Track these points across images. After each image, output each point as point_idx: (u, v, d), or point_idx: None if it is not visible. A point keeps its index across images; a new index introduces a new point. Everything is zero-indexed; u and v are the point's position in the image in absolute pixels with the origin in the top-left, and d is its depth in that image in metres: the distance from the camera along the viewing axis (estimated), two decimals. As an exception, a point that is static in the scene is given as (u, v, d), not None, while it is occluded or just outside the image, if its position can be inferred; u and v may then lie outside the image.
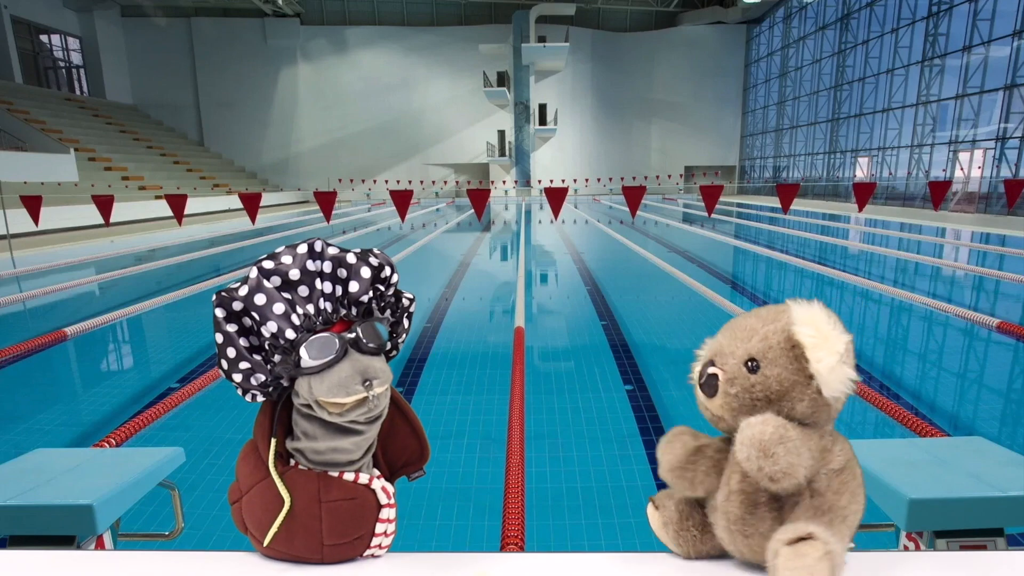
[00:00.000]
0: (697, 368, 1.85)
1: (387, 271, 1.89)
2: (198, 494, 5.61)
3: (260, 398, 1.89)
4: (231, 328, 1.80)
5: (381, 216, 41.64)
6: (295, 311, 1.79)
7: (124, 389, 8.91)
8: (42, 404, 8.27)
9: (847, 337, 1.66)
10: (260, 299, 1.77)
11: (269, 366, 1.82)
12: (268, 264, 1.82)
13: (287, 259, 1.82)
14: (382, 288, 1.89)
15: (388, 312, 1.95)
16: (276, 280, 1.80)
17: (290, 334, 1.77)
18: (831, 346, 1.63)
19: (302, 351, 1.77)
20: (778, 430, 1.65)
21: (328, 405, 1.76)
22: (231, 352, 1.81)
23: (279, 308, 1.77)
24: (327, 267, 1.82)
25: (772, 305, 1.81)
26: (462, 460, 6.41)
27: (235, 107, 68.82)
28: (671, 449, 1.89)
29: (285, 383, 1.86)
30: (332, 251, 1.84)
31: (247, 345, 1.81)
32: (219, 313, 1.80)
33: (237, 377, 1.84)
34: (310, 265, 1.81)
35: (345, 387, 1.74)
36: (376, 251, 1.92)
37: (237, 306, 1.79)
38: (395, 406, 2.04)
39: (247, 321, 1.81)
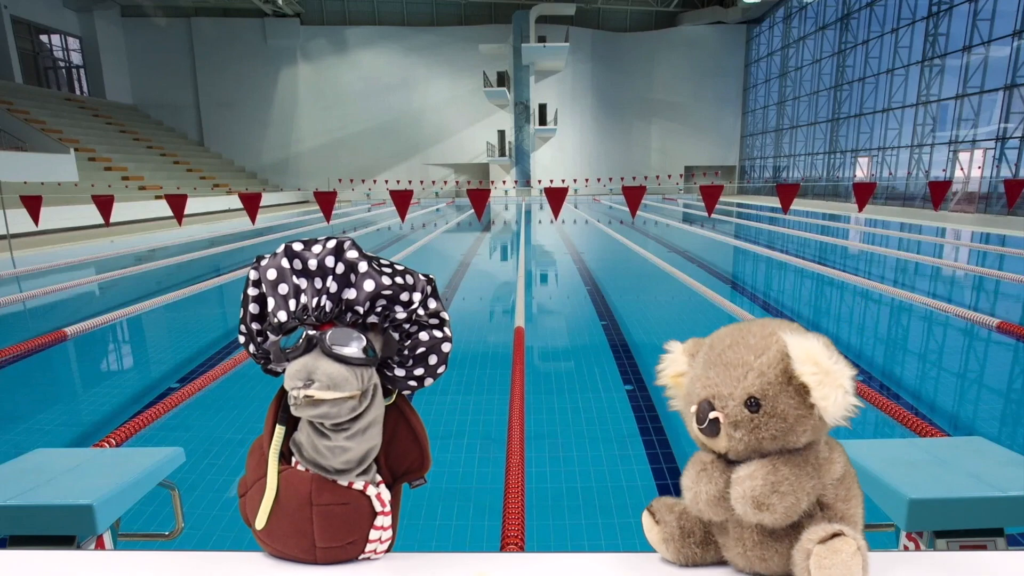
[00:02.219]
0: (692, 409, 1.80)
1: (406, 295, 1.87)
2: (198, 494, 5.61)
3: (260, 364, 1.98)
4: (252, 292, 1.87)
5: (381, 216, 41.62)
6: (297, 298, 1.81)
7: (124, 389, 8.91)
8: (42, 404, 8.27)
9: (851, 372, 1.61)
10: (272, 274, 1.82)
11: (260, 339, 1.88)
12: (297, 246, 1.85)
13: (317, 248, 1.85)
14: (394, 308, 1.87)
15: (400, 336, 1.93)
16: (297, 264, 1.83)
17: (282, 315, 1.81)
18: (835, 382, 1.58)
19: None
20: (767, 479, 1.65)
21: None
22: (241, 312, 1.90)
23: (283, 289, 1.81)
24: (340, 268, 1.83)
25: (756, 326, 1.77)
26: (462, 460, 6.41)
27: (235, 107, 68.80)
28: (711, 479, 1.79)
29: (274, 366, 1.89)
30: (351, 255, 1.84)
31: (254, 313, 1.88)
32: (252, 274, 1.87)
33: (240, 339, 1.93)
34: (328, 261, 1.83)
35: (291, 378, 1.77)
36: (423, 276, 1.93)
37: (254, 275, 1.86)
38: (399, 412, 2.04)
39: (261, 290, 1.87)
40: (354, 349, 1.81)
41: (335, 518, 1.87)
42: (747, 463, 1.71)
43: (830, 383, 1.58)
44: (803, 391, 1.64)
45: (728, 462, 1.77)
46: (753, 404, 1.68)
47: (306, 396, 1.74)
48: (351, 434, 1.85)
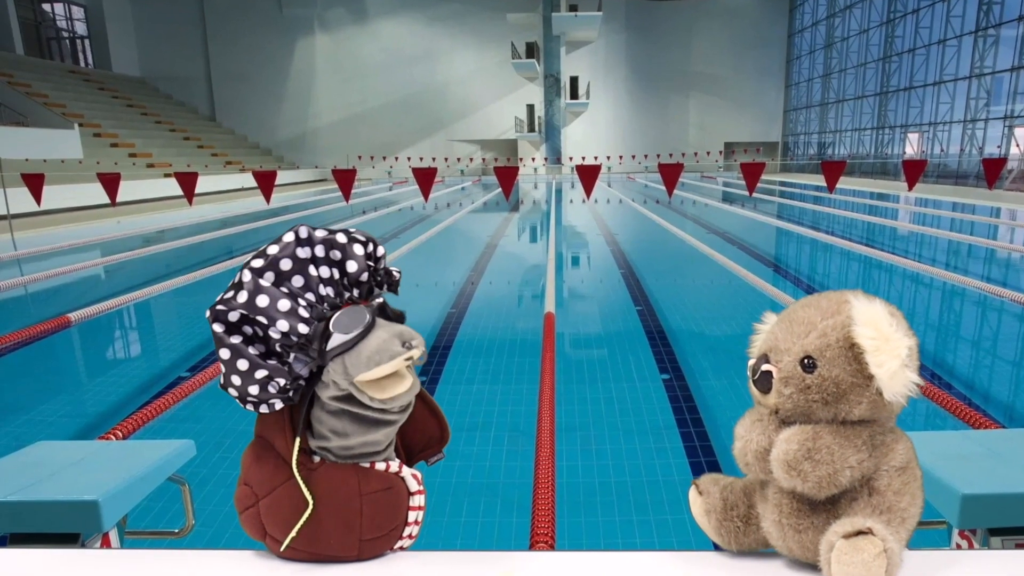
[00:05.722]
0: (751, 363, 1.83)
1: (371, 247, 1.89)
2: (210, 489, 5.65)
3: (279, 405, 1.86)
4: (236, 340, 1.79)
5: (403, 195, 41.75)
6: (299, 304, 1.78)
7: (131, 378, 8.97)
8: (45, 394, 8.33)
9: (911, 341, 1.63)
10: (263, 301, 1.76)
11: (287, 367, 1.80)
12: (258, 262, 1.81)
13: (274, 249, 1.82)
14: (373, 264, 1.89)
15: (384, 288, 1.95)
16: (270, 276, 1.80)
17: (303, 328, 1.77)
18: (892, 350, 1.60)
19: (331, 328, 1.77)
20: (804, 445, 1.66)
21: (369, 387, 1.76)
22: (243, 365, 1.79)
23: (284, 305, 1.77)
24: (319, 251, 1.82)
25: (834, 293, 1.79)
26: (489, 453, 6.40)
27: (249, 80, 68.93)
28: (764, 430, 1.82)
29: (304, 382, 1.84)
30: (320, 234, 1.84)
31: (258, 353, 1.80)
32: (218, 328, 1.79)
33: (254, 390, 1.81)
34: (301, 252, 1.81)
35: (386, 350, 1.74)
36: (354, 229, 1.92)
37: (235, 316, 1.77)
38: None
39: (249, 329, 1.80)
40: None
41: (382, 504, 1.88)
42: (793, 427, 1.72)
43: (887, 350, 1.60)
44: (863, 359, 1.64)
45: (784, 422, 1.78)
46: (809, 364, 1.70)
47: (423, 353, 1.78)
48: (410, 411, 1.90)
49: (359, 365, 1.73)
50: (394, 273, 1.97)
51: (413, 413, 2.02)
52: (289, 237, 1.83)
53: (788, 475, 1.66)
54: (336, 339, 1.76)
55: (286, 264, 1.80)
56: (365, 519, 1.86)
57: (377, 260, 1.90)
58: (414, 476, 1.97)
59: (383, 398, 1.76)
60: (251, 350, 1.79)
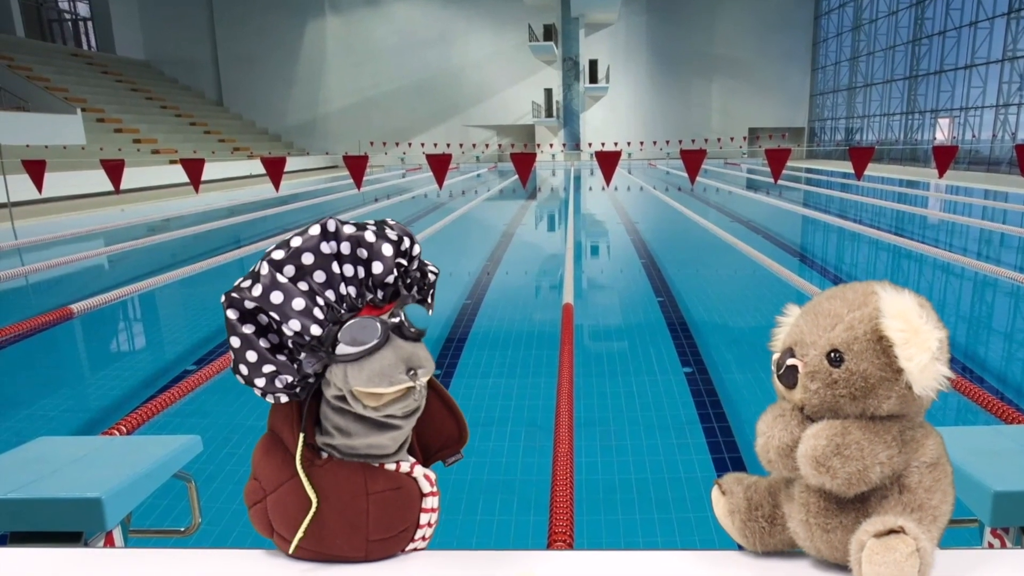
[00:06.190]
0: (775, 357, 1.82)
1: (407, 243, 1.86)
2: (217, 486, 5.67)
3: (284, 399, 1.86)
4: (248, 330, 1.78)
5: (417, 183, 41.82)
6: (316, 303, 1.76)
7: (136, 372, 9.00)
8: (46, 388, 8.38)
9: (941, 334, 1.63)
10: (277, 297, 1.74)
11: (296, 364, 1.79)
12: (278, 254, 1.79)
13: (297, 242, 1.80)
14: (405, 264, 1.86)
15: (415, 290, 1.92)
16: (290, 270, 1.77)
17: (315, 330, 1.75)
18: (922, 342, 1.59)
19: (339, 337, 1.75)
20: (832, 440, 1.65)
21: (364, 397, 1.74)
22: (251, 356, 1.78)
23: (299, 304, 1.75)
24: (345, 248, 1.80)
25: (860, 284, 1.77)
26: (505, 450, 6.42)
27: (257, 63, 69.06)
28: (786, 426, 1.81)
29: (312, 380, 1.84)
30: (348, 230, 1.81)
31: (268, 346, 1.79)
32: (231, 315, 1.78)
33: (260, 382, 1.81)
34: (325, 248, 1.79)
35: (388, 376, 1.71)
36: (391, 222, 1.89)
37: (250, 304, 1.76)
38: (429, 385, 2.00)
39: (263, 319, 1.79)
40: (422, 325, 1.81)
41: (390, 505, 1.87)
42: (820, 422, 1.72)
43: (917, 343, 1.60)
44: (892, 353, 1.63)
45: (808, 418, 1.78)
46: (836, 357, 1.69)
47: (421, 387, 1.76)
48: (418, 416, 1.87)
49: (359, 379, 1.72)
50: (429, 275, 1.95)
51: (430, 412, 2.01)
52: (315, 230, 1.80)
53: (817, 471, 1.65)
54: (342, 349, 1.74)
55: (308, 258, 1.78)
56: (371, 519, 1.85)
57: (410, 259, 1.88)
58: (426, 477, 1.96)
59: (376, 406, 1.75)
60: (262, 342, 1.78)
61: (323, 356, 1.76)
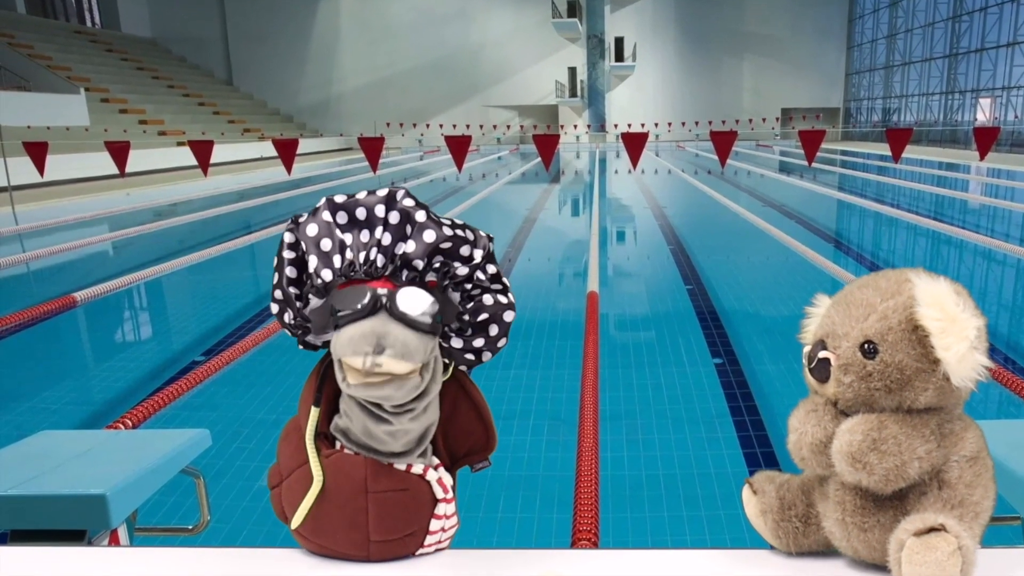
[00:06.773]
0: (806, 350, 1.81)
1: (467, 249, 1.84)
2: (226, 482, 5.68)
3: (290, 334, 1.94)
4: (287, 254, 1.84)
5: (435, 165, 41.89)
6: (342, 253, 1.78)
7: (142, 363, 9.04)
8: (48, 380, 8.42)
9: (979, 322, 1.61)
10: (312, 230, 1.80)
11: (299, 304, 1.85)
12: (340, 198, 1.84)
13: (361, 195, 1.84)
14: (454, 264, 1.84)
15: (459, 295, 1.89)
16: (342, 216, 1.82)
17: (327, 274, 1.78)
18: (960, 331, 1.57)
19: (335, 296, 1.77)
20: (868, 435, 1.64)
21: (346, 367, 1.74)
22: (275, 277, 1.85)
23: (326, 244, 1.78)
24: (393, 217, 1.81)
25: (893, 272, 1.76)
26: (527, 444, 6.43)
27: (268, 41, 69.18)
28: (819, 422, 1.80)
29: (312, 339, 1.90)
30: (407, 203, 1.82)
31: (291, 276, 1.84)
32: (287, 237, 1.84)
33: (274, 308, 1.90)
34: (379, 210, 1.81)
35: (353, 346, 1.70)
36: (482, 233, 1.90)
37: (292, 237, 1.83)
38: (459, 386, 2.02)
39: (303, 248, 1.84)
40: (425, 313, 1.77)
41: (393, 506, 1.86)
42: (855, 416, 1.71)
43: (954, 332, 1.58)
44: (928, 343, 1.62)
45: (842, 412, 1.77)
46: (870, 349, 1.68)
47: (375, 364, 1.72)
48: (415, 415, 1.84)
49: (337, 343, 1.74)
50: (488, 297, 1.91)
51: (457, 414, 2.02)
52: (382, 192, 1.84)
53: (853, 468, 1.64)
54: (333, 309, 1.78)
55: (361, 213, 1.82)
56: (372, 519, 1.85)
57: (465, 261, 1.85)
58: (440, 482, 1.94)
59: (352, 383, 1.75)
60: (288, 270, 1.84)
61: (325, 311, 1.80)
